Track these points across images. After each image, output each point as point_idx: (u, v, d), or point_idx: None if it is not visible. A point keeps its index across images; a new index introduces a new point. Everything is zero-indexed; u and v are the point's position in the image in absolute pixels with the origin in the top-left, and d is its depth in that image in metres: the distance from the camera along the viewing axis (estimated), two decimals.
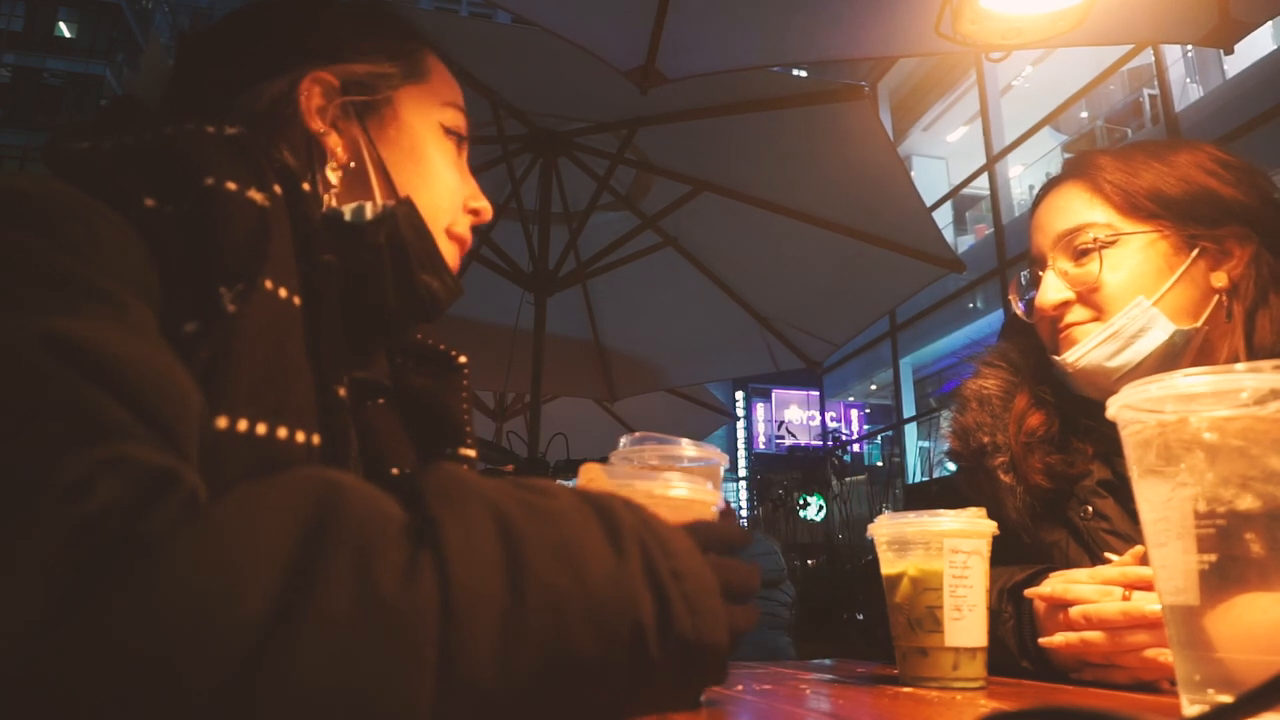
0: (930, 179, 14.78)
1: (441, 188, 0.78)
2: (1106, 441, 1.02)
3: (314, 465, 0.57)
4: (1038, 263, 1.08)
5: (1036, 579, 0.90)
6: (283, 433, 0.55)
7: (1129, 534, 0.97)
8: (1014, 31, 1.67)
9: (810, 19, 2.18)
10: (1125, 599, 0.79)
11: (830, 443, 18.77)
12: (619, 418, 4.91)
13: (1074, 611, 0.81)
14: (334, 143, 0.72)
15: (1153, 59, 9.33)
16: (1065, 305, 1.02)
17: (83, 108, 25.11)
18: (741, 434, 20.62)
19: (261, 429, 0.54)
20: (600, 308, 3.93)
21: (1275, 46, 8.26)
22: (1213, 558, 0.51)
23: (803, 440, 19.97)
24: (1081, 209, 1.03)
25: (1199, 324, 0.97)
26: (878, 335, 14.34)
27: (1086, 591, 0.81)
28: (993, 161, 11.58)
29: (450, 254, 0.79)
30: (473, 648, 0.36)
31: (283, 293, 0.58)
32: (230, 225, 0.55)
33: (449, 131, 0.80)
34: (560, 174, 3.25)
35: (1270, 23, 2.18)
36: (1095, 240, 1.00)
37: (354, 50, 0.75)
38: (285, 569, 0.34)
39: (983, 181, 11.92)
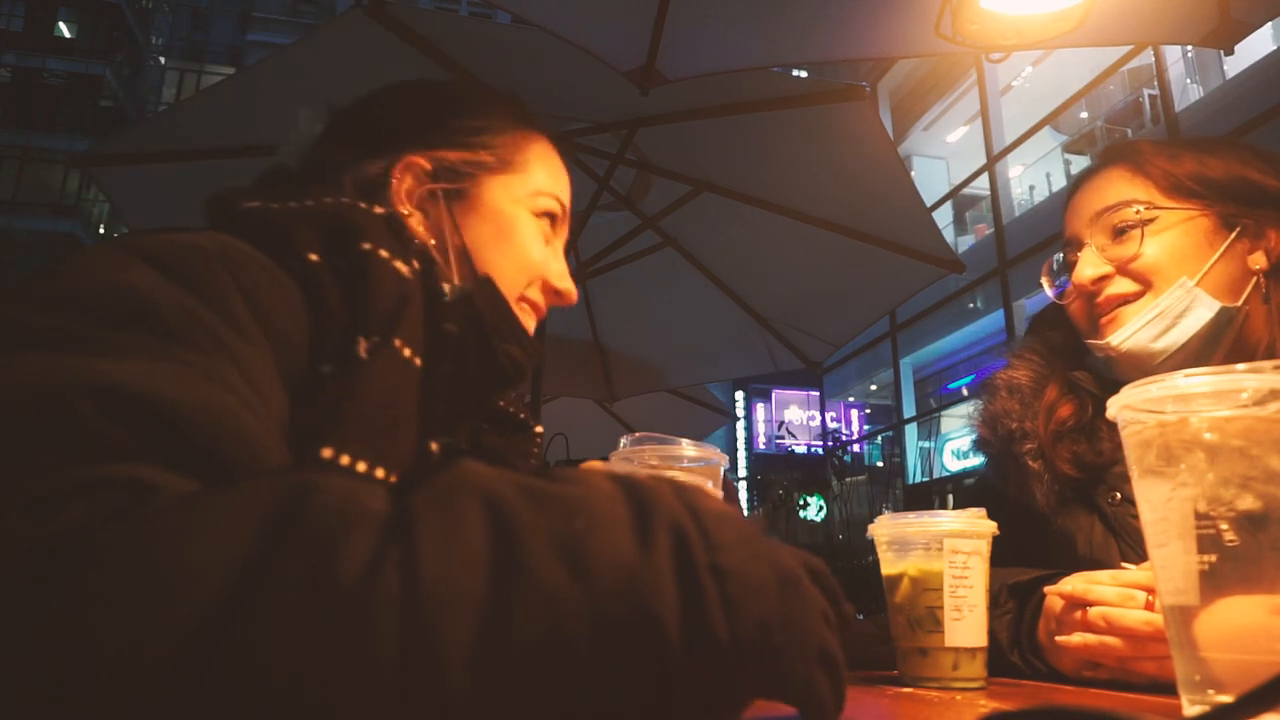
0: (930, 179, 14.78)
1: (518, 263, 0.82)
2: None
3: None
4: (1072, 244, 1.08)
5: (1051, 580, 0.90)
6: (380, 474, 0.59)
7: None
8: (1014, 32, 1.67)
9: (810, 20, 2.18)
10: (1149, 605, 0.77)
11: (830, 443, 18.77)
12: (619, 418, 4.91)
13: (1094, 613, 0.80)
14: (415, 223, 0.77)
15: (1153, 59, 9.33)
16: (1104, 279, 1.02)
17: (82, 108, 25.11)
18: (741, 434, 20.62)
19: (362, 467, 0.58)
20: (600, 308, 3.93)
21: (1275, 47, 8.26)
22: (1213, 558, 0.51)
23: (803, 440, 19.97)
24: (1122, 188, 1.04)
25: (1239, 303, 0.98)
26: (878, 335, 14.34)
27: (1109, 594, 0.80)
28: (993, 161, 11.57)
29: (526, 320, 0.84)
30: (439, 647, 0.33)
31: (408, 353, 0.64)
32: (379, 286, 0.61)
33: (541, 214, 0.85)
34: None
35: (1270, 23, 2.17)
36: (1137, 214, 1.00)
37: (452, 137, 0.81)
38: (237, 561, 0.33)
39: (983, 181, 11.92)
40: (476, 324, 0.72)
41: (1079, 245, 1.06)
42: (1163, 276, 0.99)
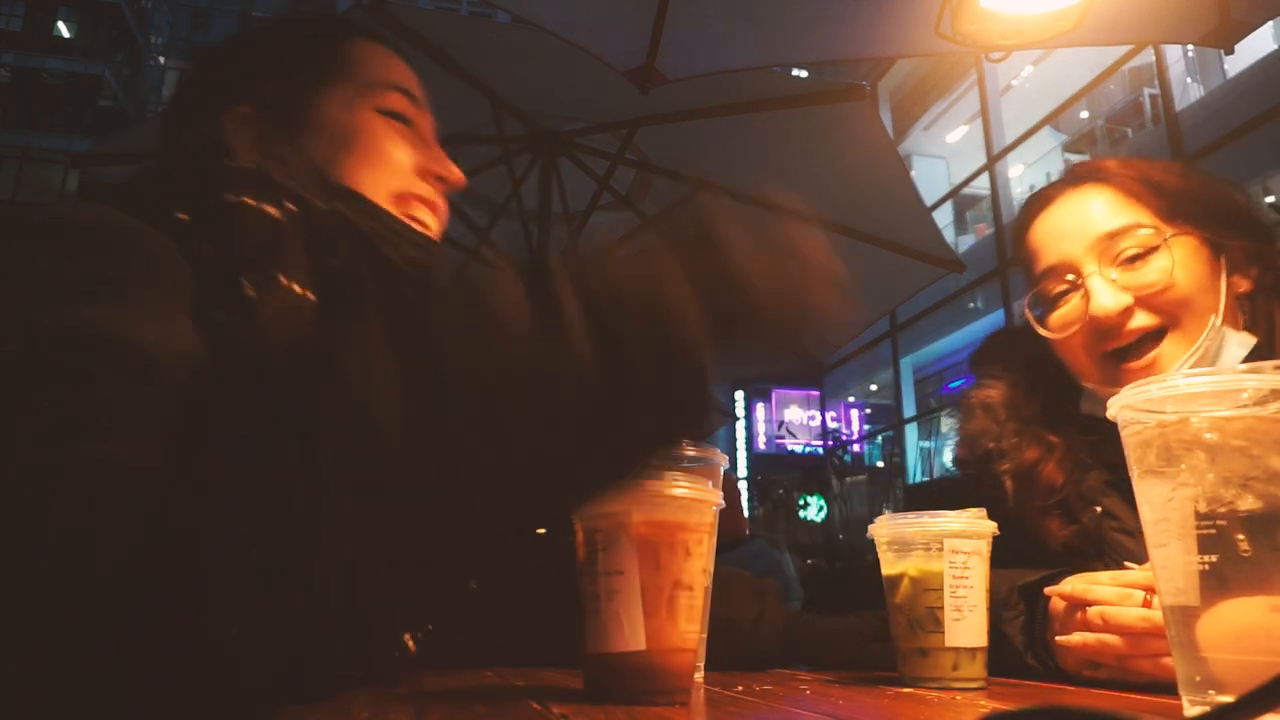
0: (930, 179, 14.77)
1: (379, 167, 0.79)
2: (1109, 448, 1.01)
3: None
4: (1058, 272, 1.00)
5: (1054, 580, 0.90)
6: None
7: (1138, 531, 0.97)
8: (1014, 31, 1.67)
9: (810, 19, 2.18)
10: (1146, 604, 0.77)
11: (830, 443, 18.77)
12: None
13: (1093, 612, 0.80)
14: (270, 168, 0.75)
15: (1153, 58, 9.33)
16: (1128, 311, 0.94)
17: (82, 108, 25.09)
18: (741, 434, 20.61)
19: None
20: None
21: (1276, 46, 8.26)
22: (1213, 558, 0.51)
23: (803, 440, 19.96)
24: (1122, 211, 0.98)
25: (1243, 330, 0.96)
26: (878, 335, 14.32)
27: (1107, 594, 0.80)
28: (993, 161, 11.57)
29: (421, 216, 0.82)
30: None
31: (296, 289, 0.66)
32: (249, 229, 0.65)
33: (386, 111, 0.81)
34: (560, 174, 3.24)
35: (1271, 22, 2.17)
36: (1164, 240, 0.94)
37: (266, 73, 0.80)
38: None
39: (983, 181, 11.91)
40: (361, 241, 0.72)
41: (1066, 272, 0.99)
42: (1189, 308, 0.94)
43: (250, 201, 0.66)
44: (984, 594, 0.81)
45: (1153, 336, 0.95)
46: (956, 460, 1.12)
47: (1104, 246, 0.97)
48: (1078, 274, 0.98)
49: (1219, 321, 0.94)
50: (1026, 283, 1.08)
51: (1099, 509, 0.99)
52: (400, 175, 0.81)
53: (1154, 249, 0.95)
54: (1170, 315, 0.94)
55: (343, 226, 0.72)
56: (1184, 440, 0.53)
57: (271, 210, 0.67)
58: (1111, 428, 0.97)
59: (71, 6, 26.06)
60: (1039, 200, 1.07)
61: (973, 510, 0.83)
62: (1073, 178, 1.05)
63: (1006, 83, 12.95)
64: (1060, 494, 1.00)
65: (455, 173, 0.84)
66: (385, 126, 0.81)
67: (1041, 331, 1.02)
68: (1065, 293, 1.00)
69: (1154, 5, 1.98)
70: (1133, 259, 0.95)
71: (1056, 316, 1.01)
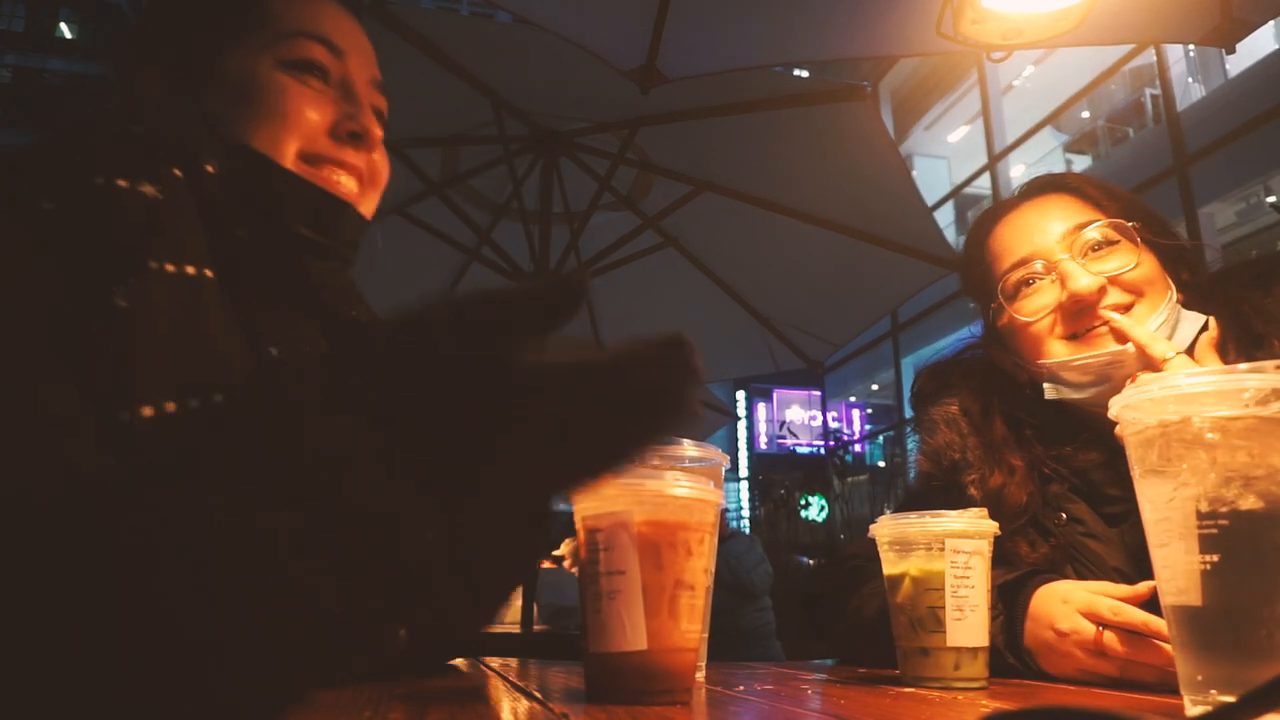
0: (932, 178, 14.76)
1: (282, 125, 0.73)
2: (1071, 457, 1.04)
3: None
4: (1027, 262, 1.04)
5: (1027, 581, 0.91)
6: (219, 399, 0.57)
7: (1104, 535, 0.98)
8: (1015, 31, 1.67)
9: (811, 19, 2.18)
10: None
11: (832, 443, 18.77)
12: None
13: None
14: (171, 127, 0.70)
15: (1154, 58, 9.32)
16: (1104, 290, 1.00)
17: (84, 109, 25.11)
18: (743, 434, 20.60)
19: (193, 404, 0.57)
20: (601, 308, 3.93)
21: (1277, 46, 8.25)
22: (1215, 558, 0.51)
23: (804, 440, 19.97)
24: (1085, 212, 1.04)
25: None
26: (879, 335, 14.32)
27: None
28: (994, 161, 11.56)
29: (337, 179, 0.75)
30: None
31: (190, 270, 0.60)
32: (118, 222, 0.57)
33: (291, 62, 0.75)
34: (561, 174, 3.24)
35: (1272, 22, 2.17)
36: (1128, 226, 1.01)
37: (182, 26, 0.75)
38: None
39: (984, 181, 11.91)
40: (262, 204, 0.68)
41: (1037, 260, 1.03)
42: (1154, 286, 1.00)
43: (122, 184, 0.58)
44: (985, 594, 0.81)
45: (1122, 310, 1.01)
46: (922, 475, 1.14)
47: (1073, 238, 1.03)
48: (1048, 261, 1.03)
49: (1175, 298, 1.00)
50: (984, 288, 1.12)
51: (1064, 515, 1.02)
52: (305, 135, 0.74)
53: (1117, 241, 1.02)
54: (1138, 292, 1.00)
55: (240, 191, 0.67)
56: (1186, 440, 0.53)
57: (148, 189, 0.59)
58: (1071, 427, 1.01)
59: (73, 7, 26.09)
60: (997, 211, 1.13)
61: (974, 510, 0.83)
62: (1032, 190, 1.12)
63: (1008, 82, 12.94)
64: (1027, 514, 1.02)
65: (367, 131, 0.77)
66: (288, 81, 0.74)
67: (1017, 319, 1.05)
68: (1034, 283, 1.05)
69: (1155, 5, 1.97)
70: (1099, 246, 1.02)
71: (1027, 303, 1.05)
